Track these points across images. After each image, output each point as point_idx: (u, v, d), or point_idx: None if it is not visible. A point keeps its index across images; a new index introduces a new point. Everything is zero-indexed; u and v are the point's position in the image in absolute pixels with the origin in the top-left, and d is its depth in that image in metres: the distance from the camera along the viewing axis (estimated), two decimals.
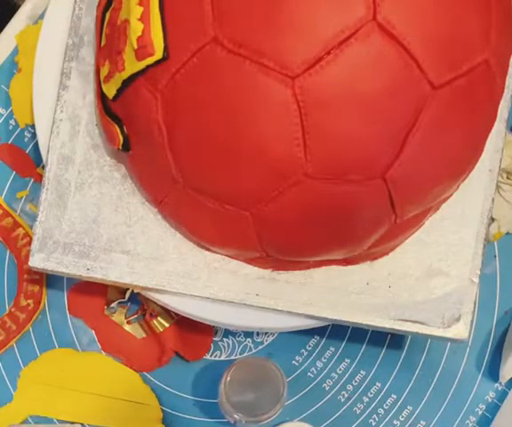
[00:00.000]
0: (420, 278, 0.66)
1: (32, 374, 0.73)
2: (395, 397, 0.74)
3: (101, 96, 0.63)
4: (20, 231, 0.75)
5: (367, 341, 0.75)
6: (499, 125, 0.66)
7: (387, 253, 0.66)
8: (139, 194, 0.66)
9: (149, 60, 0.57)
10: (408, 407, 0.74)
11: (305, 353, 0.75)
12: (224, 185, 0.58)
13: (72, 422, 0.73)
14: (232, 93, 0.54)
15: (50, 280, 0.74)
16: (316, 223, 0.58)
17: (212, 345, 0.75)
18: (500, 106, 0.63)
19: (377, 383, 0.74)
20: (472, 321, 0.65)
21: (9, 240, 0.74)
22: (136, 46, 0.57)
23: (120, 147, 0.63)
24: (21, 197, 0.75)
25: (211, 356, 0.74)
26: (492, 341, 0.75)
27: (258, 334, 0.75)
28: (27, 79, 0.73)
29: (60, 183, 0.65)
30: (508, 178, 0.76)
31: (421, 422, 0.74)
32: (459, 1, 0.55)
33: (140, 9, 0.57)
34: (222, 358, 0.74)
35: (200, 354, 0.75)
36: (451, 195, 0.65)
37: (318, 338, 0.75)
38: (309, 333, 0.74)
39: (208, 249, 0.65)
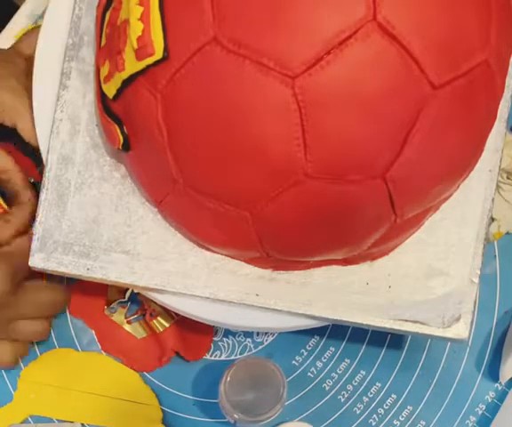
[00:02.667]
0: (420, 278, 0.66)
1: (32, 374, 0.73)
2: (395, 397, 0.74)
3: (101, 96, 0.63)
4: None
5: (367, 341, 0.75)
6: (499, 125, 0.66)
7: (387, 253, 0.66)
8: (139, 194, 0.66)
9: (149, 60, 0.57)
10: (408, 407, 0.74)
11: (305, 353, 0.75)
12: (224, 185, 0.58)
13: (72, 422, 0.73)
14: (232, 93, 0.54)
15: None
16: (315, 223, 0.58)
17: (211, 345, 0.75)
18: (500, 106, 0.63)
19: (377, 383, 0.74)
20: (472, 321, 0.65)
21: None
22: (136, 46, 0.57)
23: (120, 147, 0.63)
24: None
25: (211, 356, 0.75)
26: (492, 341, 0.75)
27: (258, 334, 0.75)
28: None
29: (60, 183, 0.65)
30: (508, 178, 0.76)
31: (421, 422, 0.74)
32: (459, 1, 0.55)
33: (140, 9, 0.57)
34: (222, 358, 0.74)
35: (200, 354, 0.75)
36: (451, 195, 0.65)
37: (318, 338, 0.75)
38: (309, 333, 0.74)
39: (208, 249, 0.65)
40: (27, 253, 0.65)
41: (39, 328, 0.69)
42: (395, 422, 0.74)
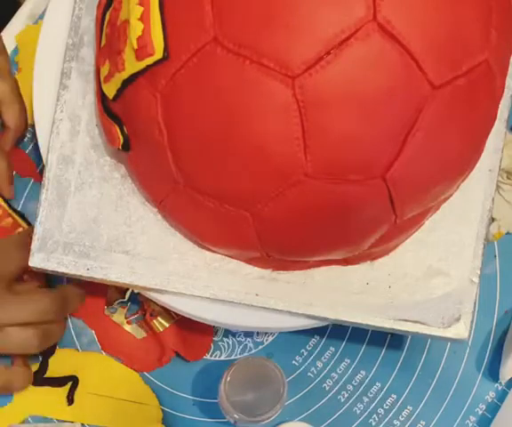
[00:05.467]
0: (420, 278, 0.66)
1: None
2: (395, 397, 0.74)
3: (101, 96, 0.63)
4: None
5: (367, 341, 0.75)
6: (499, 125, 0.66)
7: (387, 253, 0.66)
8: (139, 194, 0.66)
9: (149, 60, 0.57)
10: (408, 407, 0.74)
11: (305, 353, 0.75)
12: (224, 185, 0.58)
13: (72, 422, 0.73)
14: (232, 93, 0.54)
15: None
16: (316, 223, 0.58)
17: (211, 345, 0.75)
18: (500, 106, 0.63)
19: (377, 383, 0.74)
20: (472, 321, 0.65)
21: None
22: (136, 46, 0.57)
23: (120, 147, 0.63)
24: (21, 197, 0.75)
25: (211, 356, 0.74)
26: (492, 341, 0.75)
27: (258, 334, 0.75)
28: (27, 79, 0.73)
29: (60, 183, 0.65)
30: (507, 178, 0.76)
31: (421, 422, 0.74)
32: (459, 1, 0.55)
33: (140, 9, 0.57)
34: (222, 358, 0.74)
35: (200, 354, 0.75)
36: (451, 195, 0.65)
37: (318, 338, 0.75)
38: (309, 333, 0.74)
39: (208, 249, 0.65)
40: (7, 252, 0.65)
41: (30, 338, 0.67)
42: (395, 422, 0.74)
